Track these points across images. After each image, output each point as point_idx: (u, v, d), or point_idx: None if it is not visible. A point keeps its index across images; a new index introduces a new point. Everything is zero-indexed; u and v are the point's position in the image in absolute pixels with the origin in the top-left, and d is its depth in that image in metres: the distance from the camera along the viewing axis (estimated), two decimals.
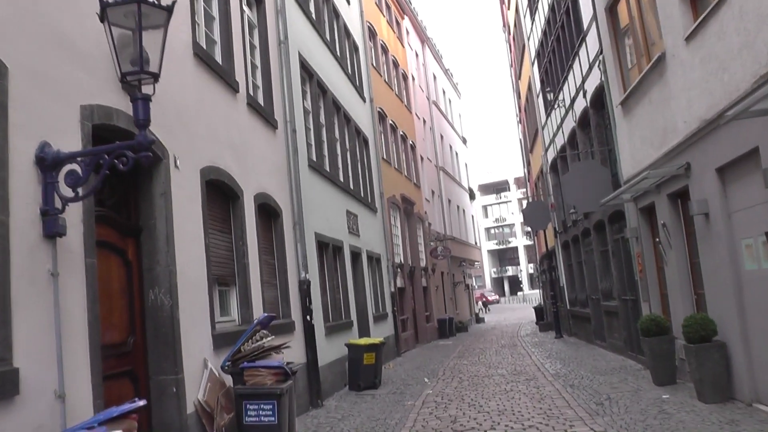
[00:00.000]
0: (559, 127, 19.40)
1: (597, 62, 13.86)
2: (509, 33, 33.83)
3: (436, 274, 31.34)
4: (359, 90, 21.04)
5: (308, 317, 11.66)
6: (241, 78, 10.00)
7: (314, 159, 14.53)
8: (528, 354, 18.27)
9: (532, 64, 23.79)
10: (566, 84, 17.57)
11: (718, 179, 8.57)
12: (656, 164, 10.51)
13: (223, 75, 9.18)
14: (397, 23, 30.96)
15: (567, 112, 17.93)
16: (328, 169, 15.61)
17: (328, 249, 14.56)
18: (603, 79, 13.42)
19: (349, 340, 13.87)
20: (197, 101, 8.16)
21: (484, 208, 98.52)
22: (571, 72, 16.76)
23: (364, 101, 21.73)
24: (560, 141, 19.51)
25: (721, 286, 8.78)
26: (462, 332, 32.30)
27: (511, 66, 36.46)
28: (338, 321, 14.42)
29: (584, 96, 15.51)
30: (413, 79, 32.94)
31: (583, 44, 15.13)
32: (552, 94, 18.69)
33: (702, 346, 8.74)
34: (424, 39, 37.43)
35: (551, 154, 21.93)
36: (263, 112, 10.98)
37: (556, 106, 18.77)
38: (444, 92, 42.27)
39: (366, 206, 19.52)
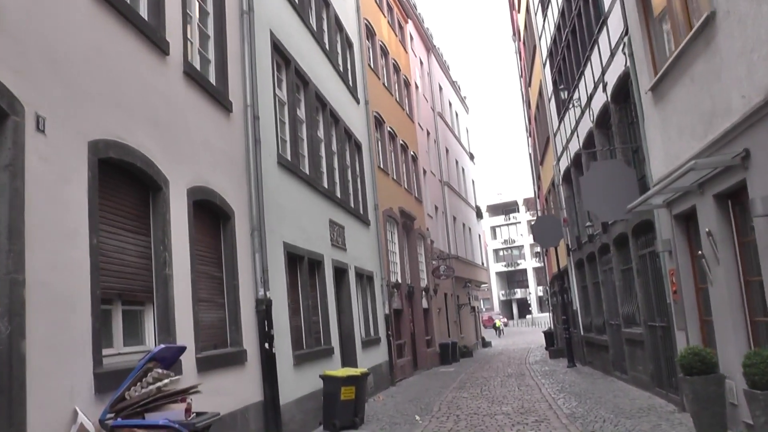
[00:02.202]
0: (574, 131, 17.26)
1: (621, 46, 11.75)
2: (519, 39, 31.85)
3: (438, 295, 29.08)
4: (352, 90, 18.99)
5: (267, 345, 9.48)
6: (176, 40, 7.91)
7: (288, 158, 12.44)
8: (537, 386, 15.99)
9: (544, 65, 21.71)
10: (582, 80, 15.45)
11: None
12: (700, 157, 8.31)
13: (144, 29, 7.08)
14: (400, 27, 29.00)
15: (583, 113, 15.80)
16: (307, 171, 13.51)
17: (303, 263, 12.40)
18: (628, 63, 11.29)
19: (324, 371, 11.67)
20: (92, 50, 6.06)
21: (493, 229, 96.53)
22: (589, 65, 14.65)
23: (358, 103, 19.67)
24: (575, 146, 17.35)
25: None
26: (466, 357, 30.15)
27: (521, 76, 34.45)
28: (313, 348, 12.22)
29: (604, 89, 13.38)
30: (417, 87, 30.93)
31: (604, 29, 13.04)
32: (566, 92, 16.59)
33: None
34: (429, 47, 35.47)
35: (564, 164, 19.76)
36: (211, 89, 8.89)
37: (570, 105, 16.64)
38: (450, 104, 40.24)
39: (356, 218, 17.38)
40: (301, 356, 11.37)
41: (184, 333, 7.20)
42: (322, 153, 15.26)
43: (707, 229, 8.47)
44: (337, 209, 15.45)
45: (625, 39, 11.36)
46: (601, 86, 13.64)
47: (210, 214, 8.64)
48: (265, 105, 11.22)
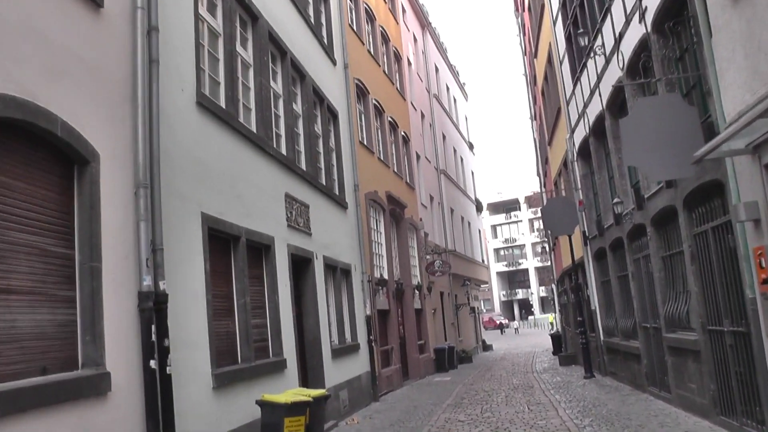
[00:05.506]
0: (594, 89, 14.02)
1: None
2: (524, 8, 28.64)
3: (433, 295, 25.82)
4: (327, 48, 15.77)
5: (152, 362, 6.22)
6: None
7: (221, 104, 9.23)
8: (552, 404, 12.75)
9: (554, 22, 18.45)
10: (608, 19, 12.21)
11: None
12: None
13: None
14: None
15: (608, 62, 12.59)
16: (253, 128, 10.31)
17: (238, 245, 9.13)
18: None
19: (263, 396, 8.42)
20: None
21: (494, 228, 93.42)
22: None
23: (335, 64, 16.44)
24: (596, 109, 14.12)
25: None
26: (465, 363, 27.11)
27: (525, 53, 31.26)
28: (252, 362, 8.93)
29: (641, 19, 10.16)
30: (410, 63, 27.74)
31: None
32: (587, 38, 13.31)
33: None
34: (424, 24, 32.23)
35: (580, 135, 16.52)
36: None
37: (592, 55, 13.40)
38: (448, 88, 36.96)
39: (328, 197, 14.14)
40: (229, 375, 8.11)
41: None
42: (280, 111, 12.04)
43: None
44: (300, 182, 12.21)
45: None
46: (636, 16, 10.42)
47: (46, 150, 5.38)
48: (177, 21, 8.01)
